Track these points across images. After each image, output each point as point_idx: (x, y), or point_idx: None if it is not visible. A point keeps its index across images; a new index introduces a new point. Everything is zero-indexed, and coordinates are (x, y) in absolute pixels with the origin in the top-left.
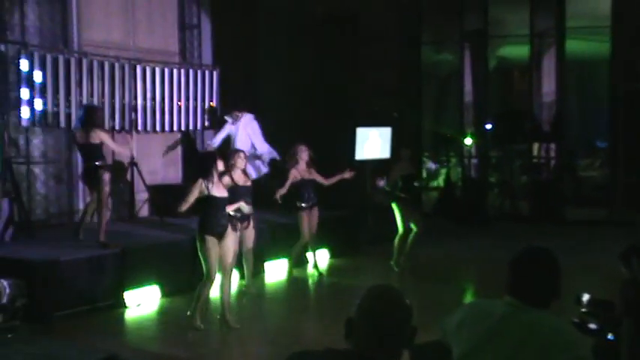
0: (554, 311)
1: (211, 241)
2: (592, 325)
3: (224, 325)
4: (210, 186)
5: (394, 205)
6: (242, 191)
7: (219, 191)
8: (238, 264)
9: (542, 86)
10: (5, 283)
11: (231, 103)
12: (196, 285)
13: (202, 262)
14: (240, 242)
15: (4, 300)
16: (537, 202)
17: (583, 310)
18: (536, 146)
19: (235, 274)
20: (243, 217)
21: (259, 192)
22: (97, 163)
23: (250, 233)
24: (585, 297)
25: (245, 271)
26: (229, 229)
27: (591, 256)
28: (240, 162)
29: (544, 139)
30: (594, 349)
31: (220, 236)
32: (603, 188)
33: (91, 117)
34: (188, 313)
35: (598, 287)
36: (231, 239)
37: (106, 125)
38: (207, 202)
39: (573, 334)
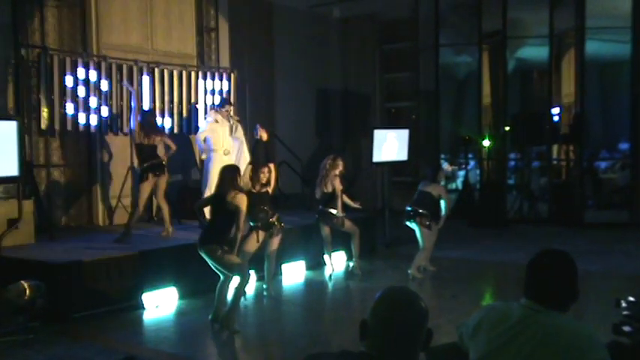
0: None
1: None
2: (626, 328)
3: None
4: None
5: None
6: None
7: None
8: (258, 266)
9: (562, 88)
10: (25, 284)
11: (248, 105)
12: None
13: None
14: (265, 245)
15: (24, 301)
16: (557, 205)
17: (624, 312)
18: (555, 148)
19: (253, 277)
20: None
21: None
22: (153, 162)
23: (276, 237)
24: (626, 299)
25: (265, 274)
26: None
27: (614, 259)
28: (263, 177)
29: (564, 140)
30: (609, 347)
31: None
32: (624, 190)
33: (151, 120)
34: (210, 317)
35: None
36: None
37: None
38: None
39: (592, 338)
